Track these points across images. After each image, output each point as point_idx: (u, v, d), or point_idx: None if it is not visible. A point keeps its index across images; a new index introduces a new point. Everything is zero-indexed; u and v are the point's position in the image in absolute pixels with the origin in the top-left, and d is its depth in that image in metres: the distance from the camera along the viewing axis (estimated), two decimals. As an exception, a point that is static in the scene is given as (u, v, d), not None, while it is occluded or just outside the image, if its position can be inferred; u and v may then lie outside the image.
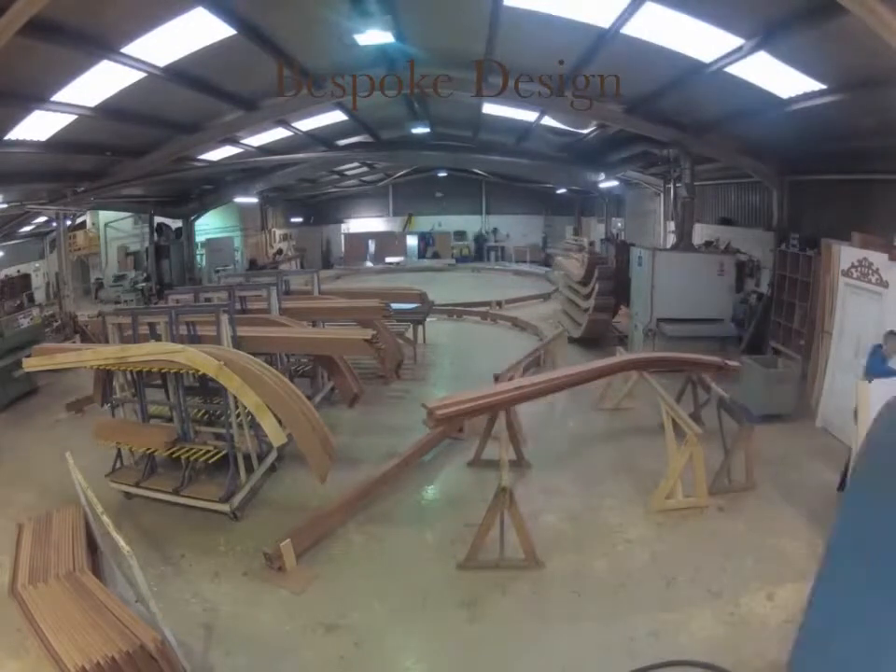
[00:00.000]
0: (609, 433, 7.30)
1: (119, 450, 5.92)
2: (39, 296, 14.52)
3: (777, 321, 9.87)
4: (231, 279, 11.32)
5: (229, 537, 5.09)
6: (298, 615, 4.12)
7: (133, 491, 5.68)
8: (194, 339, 6.15)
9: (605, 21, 6.12)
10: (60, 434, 7.43)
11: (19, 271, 14.31)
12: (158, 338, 6.06)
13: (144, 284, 16.05)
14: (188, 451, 5.59)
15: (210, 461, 5.55)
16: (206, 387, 5.95)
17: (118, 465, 5.84)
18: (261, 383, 5.09)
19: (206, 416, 6.29)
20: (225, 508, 5.32)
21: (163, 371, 5.45)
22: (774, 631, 3.80)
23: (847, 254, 6.83)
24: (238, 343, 6.25)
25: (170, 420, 6.05)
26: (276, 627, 4.01)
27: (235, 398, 5.24)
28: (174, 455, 5.59)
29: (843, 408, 5.68)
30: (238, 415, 5.63)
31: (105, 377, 6.21)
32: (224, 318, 6.14)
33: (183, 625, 3.99)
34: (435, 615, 4.13)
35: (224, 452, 5.55)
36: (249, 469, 5.77)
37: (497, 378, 6.53)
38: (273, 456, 6.20)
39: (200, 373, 5.16)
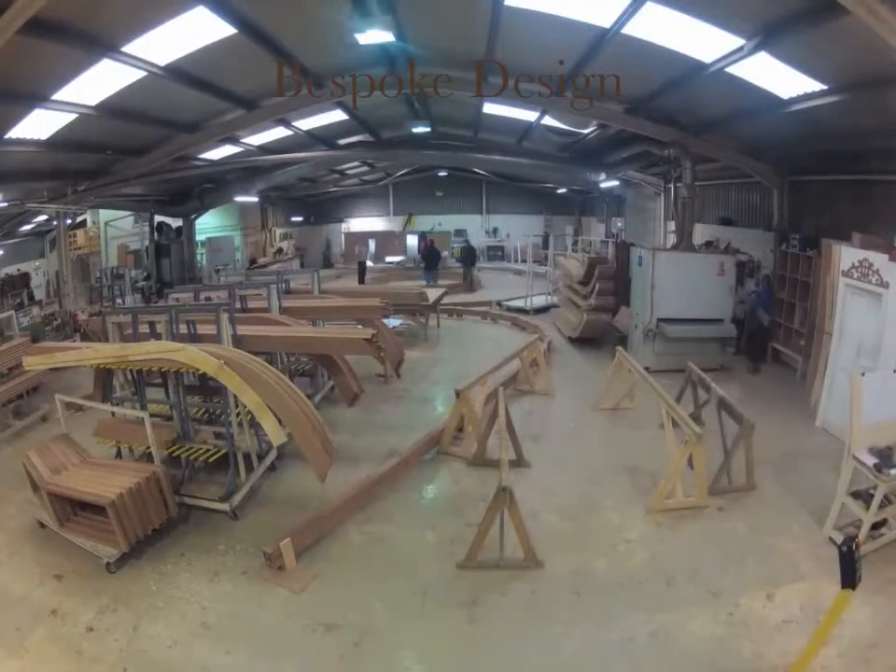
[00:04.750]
0: (609, 433, 7.30)
1: (118, 448, 5.94)
2: (40, 294, 14.52)
3: (777, 321, 9.87)
4: (231, 278, 11.35)
5: (228, 536, 5.08)
6: (297, 614, 4.12)
7: None
8: (194, 338, 6.12)
9: (606, 21, 6.13)
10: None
11: (19, 269, 14.30)
12: (158, 337, 6.04)
13: (144, 283, 16.03)
14: (187, 450, 5.60)
15: (210, 460, 5.56)
16: (206, 386, 5.95)
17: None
18: (261, 382, 5.08)
19: (206, 415, 6.30)
20: (224, 507, 5.32)
21: (163, 369, 5.45)
22: (774, 631, 3.80)
23: (847, 254, 6.83)
24: (238, 341, 6.24)
25: (170, 419, 6.05)
26: (276, 626, 4.00)
27: (235, 397, 5.24)
28: (173, 454, 5.60)
29: (843, 408, 5.67)
30: (238, 414, 5.64)
31: (104, 376, 6.21)
32: (224, 317, 6.11)
33: (182, 624, 4.00)
34: (435, 615, 4.13)
35: (224, 451, 5.55)
36: (249, 469, 5.78)
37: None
38: (272, 456, 6.20)
39: (200, 372, 5.16)
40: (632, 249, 10.78)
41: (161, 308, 6.73)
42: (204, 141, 10.76)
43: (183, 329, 6.17)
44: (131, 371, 5.88)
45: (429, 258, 19.67)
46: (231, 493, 5.42)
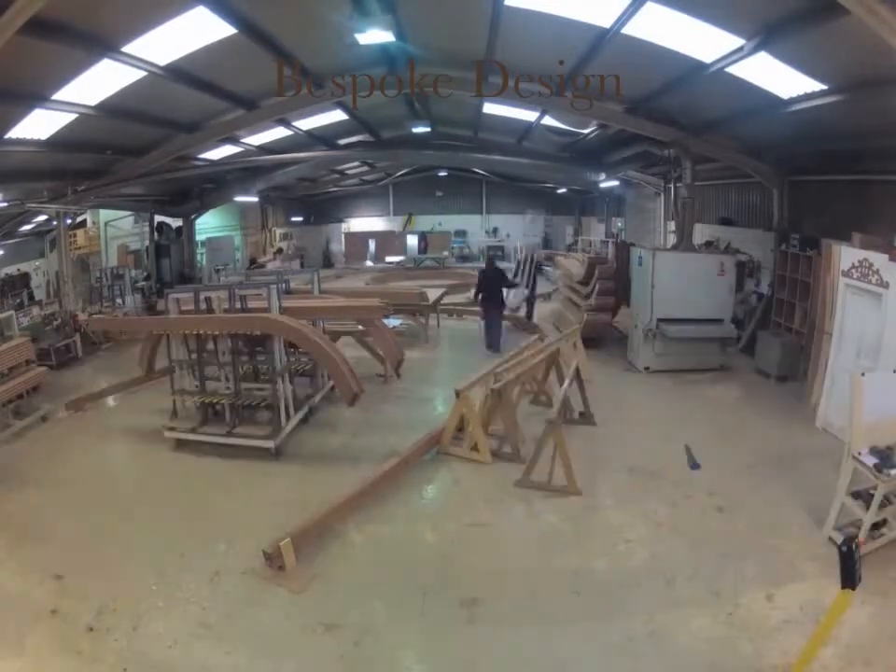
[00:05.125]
0: (608, 433, 7.29)
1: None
2: (40, 294, 14.52)
3: (777, 321, 9.87)
4: (231, 278, 11.38)
5: (229, 536, 5.09)
6: (297, 614, 4.12)
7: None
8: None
9: (606, 21, 6.13)
10: (58, 432, 7.45)
11: (19, 269, 14.31)
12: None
13: (144, 283, 16.03)
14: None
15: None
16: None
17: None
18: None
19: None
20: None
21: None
22: (774, 631, 3.80)
23: (847, 254, 6.83)
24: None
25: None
26: (276, 626, 4.00)
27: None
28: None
29: (843, 408, 5.68)
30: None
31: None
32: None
33: (182, 624, 4.01)
34: (435, 615, 4.13)
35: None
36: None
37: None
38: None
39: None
40: (632, 249, 10.79)
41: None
42: (204, 141, 10.76)
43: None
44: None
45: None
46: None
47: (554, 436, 5.60)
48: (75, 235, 15.04)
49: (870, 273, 6.37)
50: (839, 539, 4.40)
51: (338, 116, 11.86)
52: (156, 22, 5.97)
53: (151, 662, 3.69)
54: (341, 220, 27.50)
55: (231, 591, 4.38)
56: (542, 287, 15.87)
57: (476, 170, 23.31)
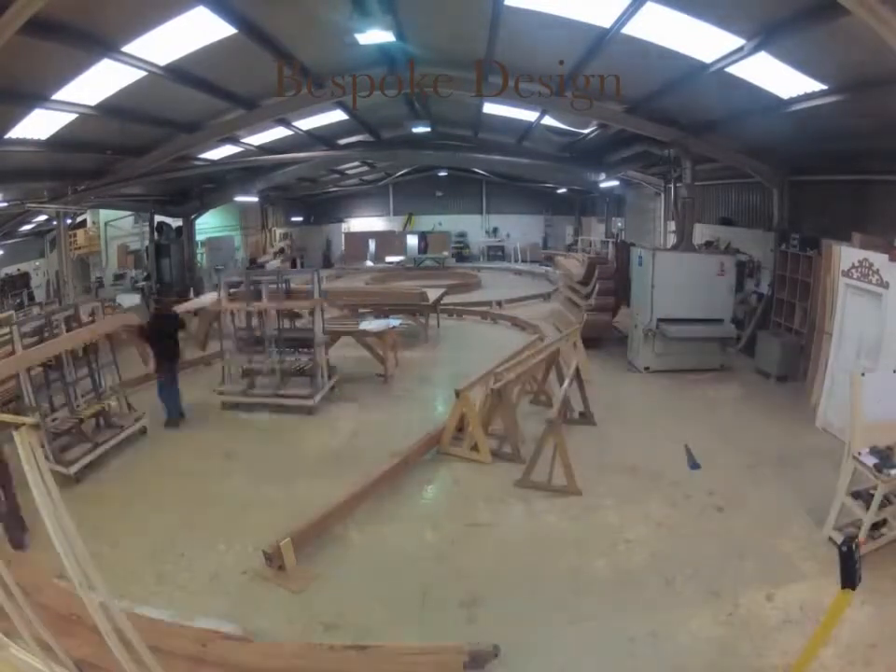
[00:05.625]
0: (608, 432, 7.29)
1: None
2: (40, 294, 14.53)
3: (777, 321, 9.87)
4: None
5: (228, 536, 5.09)
6: (297, 614, 4.12)
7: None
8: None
9: (606, 21, 6.12)
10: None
11: (19, 269, 14.32)
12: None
13: (144, 283, 16.04)
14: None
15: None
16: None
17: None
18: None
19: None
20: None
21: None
22: (774, 631, 3.80)
23: (847, 254, 6.83)
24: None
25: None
26: (275, 626, 4.00)
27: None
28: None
29: (843, 408, 5.68)
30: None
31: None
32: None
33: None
34: (435, 615, 4.13)
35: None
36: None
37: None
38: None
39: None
40: (632, 249, 10.79)
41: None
42: (204, 141, 10.76)
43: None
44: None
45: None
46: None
47: (554, 436, 5.59)
48: (75, 235, 15.05)
49: (870, 273, 6.37)
50: (839, 539, 4.40)
51: (338, 116, 11.86)
52: (156, 22, 5.96)
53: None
54: (341, 220, 27.52)
55: (232, 591, 4.38)
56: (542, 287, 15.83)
57: (476, 170, 23.32)
